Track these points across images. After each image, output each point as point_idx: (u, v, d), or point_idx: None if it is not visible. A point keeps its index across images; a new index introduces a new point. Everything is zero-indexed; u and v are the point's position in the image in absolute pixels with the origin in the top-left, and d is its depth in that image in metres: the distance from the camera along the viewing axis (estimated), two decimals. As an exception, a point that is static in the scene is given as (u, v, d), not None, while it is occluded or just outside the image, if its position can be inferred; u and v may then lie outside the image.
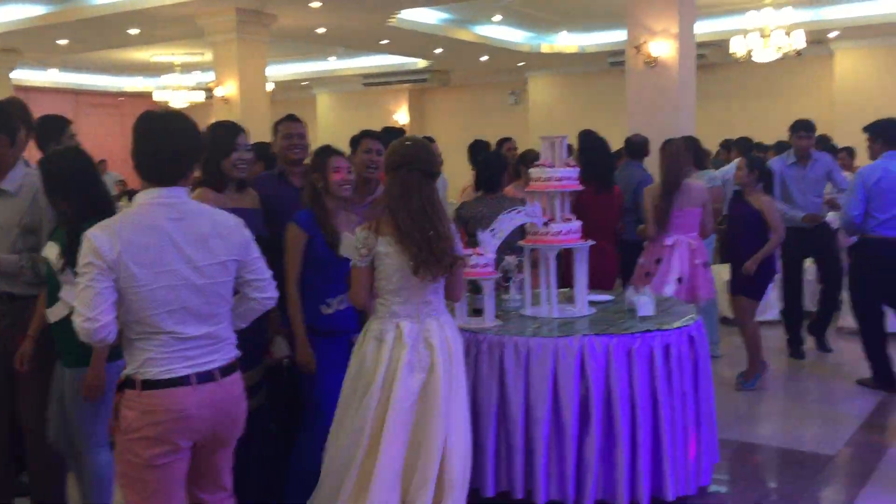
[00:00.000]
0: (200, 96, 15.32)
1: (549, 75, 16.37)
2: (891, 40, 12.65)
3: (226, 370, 2.59)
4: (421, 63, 15.83)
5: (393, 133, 5.72)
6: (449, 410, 3.12)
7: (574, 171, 4.13)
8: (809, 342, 6.81)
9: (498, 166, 4.96)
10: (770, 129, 10.21)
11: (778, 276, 7.56)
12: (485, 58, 14.69)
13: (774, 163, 6.70)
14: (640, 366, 3.70)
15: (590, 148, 5.18)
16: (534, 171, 4.19)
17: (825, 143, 8.83)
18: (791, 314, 6.74)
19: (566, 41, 14.02)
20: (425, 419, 3.10)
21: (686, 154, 5.30)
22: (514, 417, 3.68)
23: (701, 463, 3.92)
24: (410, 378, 3.09)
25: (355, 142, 4.39)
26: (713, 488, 4.06)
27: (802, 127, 6.52)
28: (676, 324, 3.89)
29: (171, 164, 2.52)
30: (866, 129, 5.86)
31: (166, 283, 2.44)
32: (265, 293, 2.72)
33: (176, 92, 15.02)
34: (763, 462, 4.57)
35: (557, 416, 3.69)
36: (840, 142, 9.41)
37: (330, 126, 18.62)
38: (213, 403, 2.53)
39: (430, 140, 5.11)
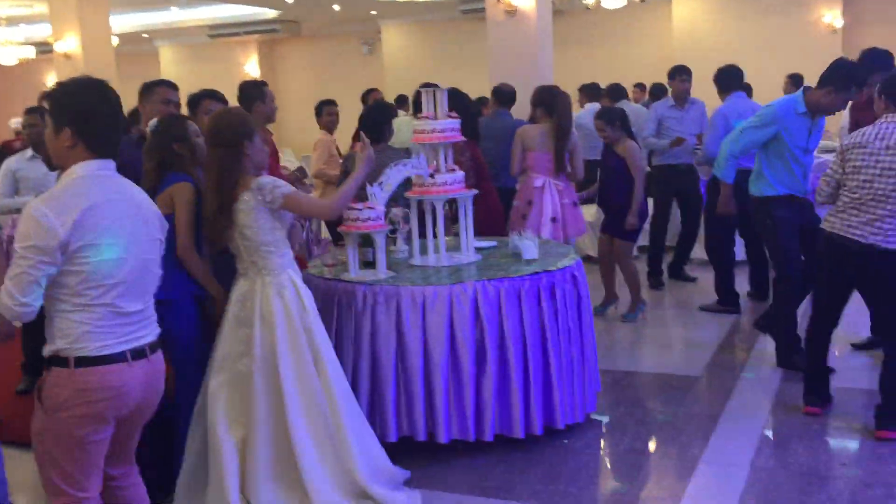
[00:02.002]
0: (31, 52, 14.29)
1: (402, 24, 16.31)
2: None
3: (154, 346, 2.59)
4: (270, 13, 15.37)
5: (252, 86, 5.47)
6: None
7: (456, 123, 4.24)
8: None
9: (382, 117, 4.98)
10: (617, 74, 10.66)
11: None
12: (337, 7, 14.45)
13: (657, 107, 7.09)
14: (530, 306, 3.91)
15: (457, 104, 5.33)
16: (417, 124, 4.27)
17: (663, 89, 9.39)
18: (655, 248, 7.23)
19: (417, -12, 14.04)
20: None
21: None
22: (413, 364, 3.81)
23: (587, 392, 4.21)
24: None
25: (194, 103, 4.36)
26: (598, 414, 4.37)
27: (683, 71, 6.94)
28: (560, 264, 4.11)
29: (114, 135, 2.47)
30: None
31: (111, 255, 2.40)
32: None
33: (4, 48, 13.91)
34: (637, 387, 4.93)
35: (455, 359, 3.85)
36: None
37: (175, 81, 17.79)
38: (143, 380, 2.53)
39: (264, 84, 5.05)
